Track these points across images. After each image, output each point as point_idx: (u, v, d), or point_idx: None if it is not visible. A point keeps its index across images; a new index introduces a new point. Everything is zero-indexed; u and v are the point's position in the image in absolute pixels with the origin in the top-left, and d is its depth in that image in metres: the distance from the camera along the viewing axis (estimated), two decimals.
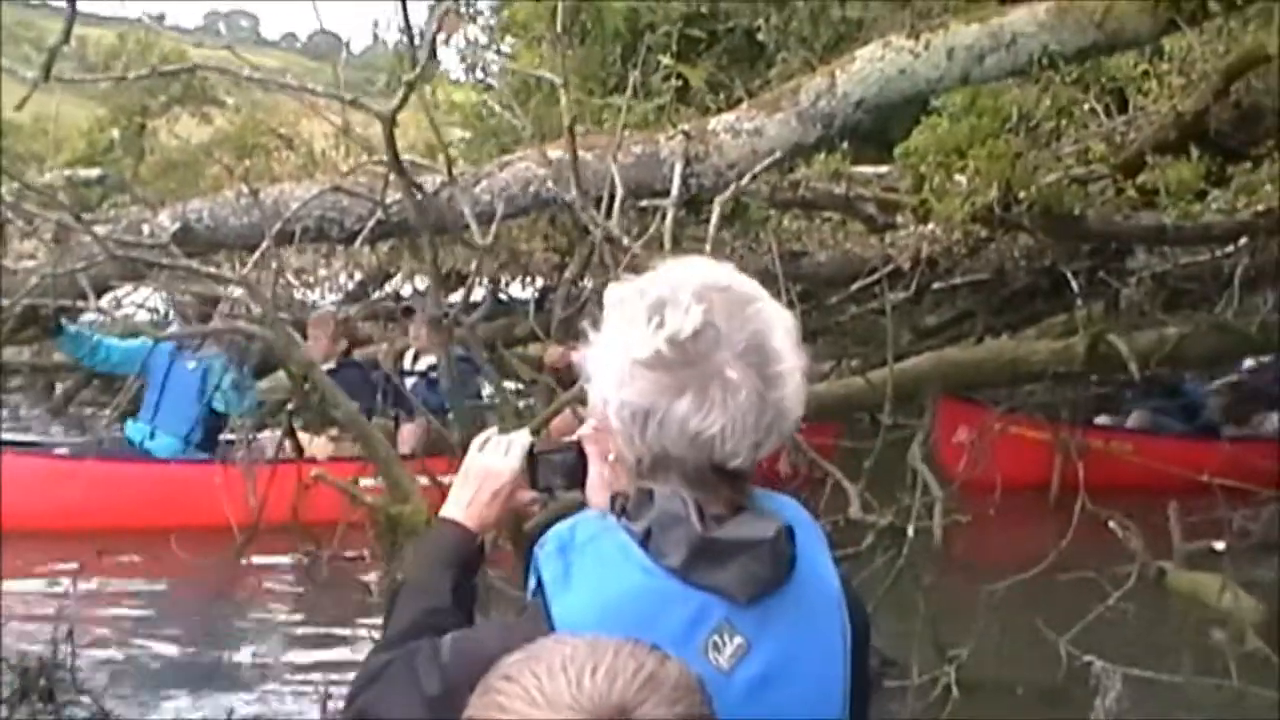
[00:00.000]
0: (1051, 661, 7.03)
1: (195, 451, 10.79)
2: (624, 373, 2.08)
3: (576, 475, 2.35)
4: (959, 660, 6.87)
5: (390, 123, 6.95)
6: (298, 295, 15.45)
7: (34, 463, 10.65)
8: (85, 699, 6.73)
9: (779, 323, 2.10)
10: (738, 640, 2.01)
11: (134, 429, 10.92)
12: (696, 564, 2.01)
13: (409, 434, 11.05)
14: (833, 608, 2.17)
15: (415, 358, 11.57)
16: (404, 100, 6.92)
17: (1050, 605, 7.56)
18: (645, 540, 2.05)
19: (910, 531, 7.02)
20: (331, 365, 10.84)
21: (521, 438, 2.46)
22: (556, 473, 2.40)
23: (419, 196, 7.65)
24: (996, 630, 7.18)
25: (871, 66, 8.95)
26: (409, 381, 11.17)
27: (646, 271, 2.17)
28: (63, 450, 11.12)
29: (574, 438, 2.37)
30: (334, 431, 10.59)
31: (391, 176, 7.98)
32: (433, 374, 11.14)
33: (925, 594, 6.77)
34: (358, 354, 12.04)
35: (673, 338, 2.03)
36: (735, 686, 1.99)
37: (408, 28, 7.27)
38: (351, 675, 6.13)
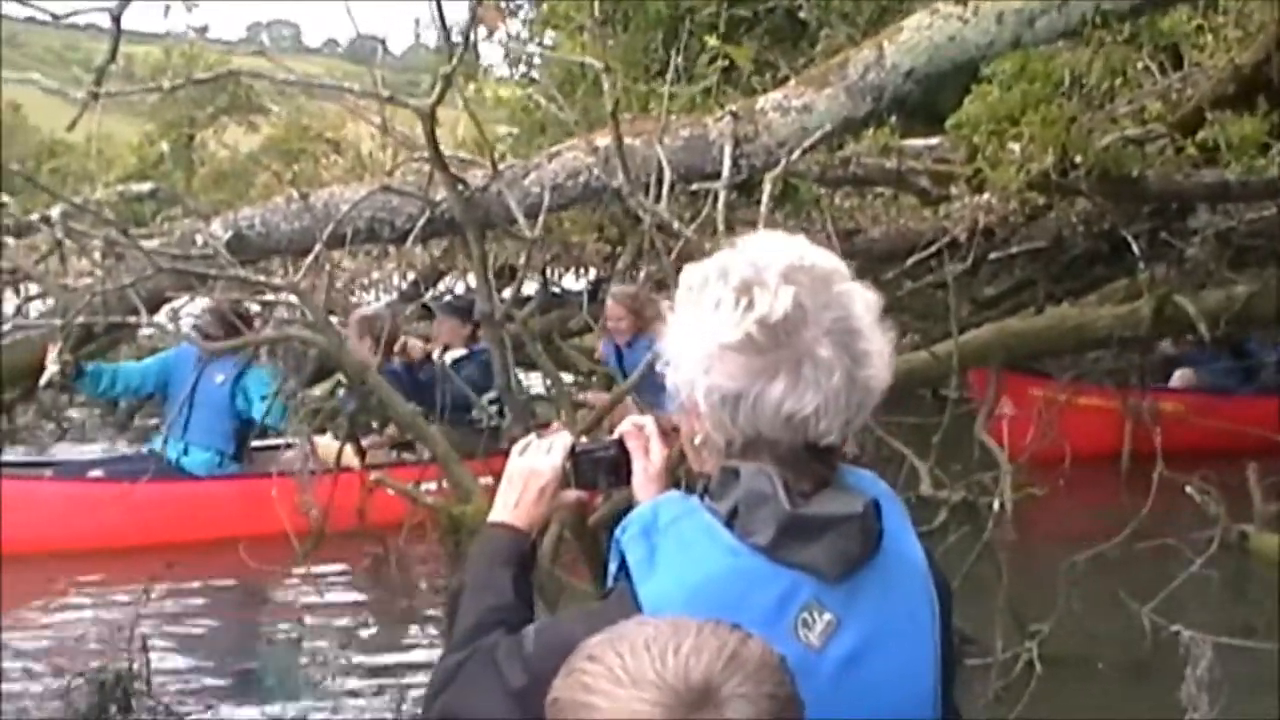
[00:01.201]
0: (1136, 633, 6.85)
1: (230, 465, 10.69)
2: (711, 357, 2.04)
3: (620, 472, 2.42)
4: (1041, 635, 6.70)
5: (429, 118, 6.84)
6: (353, 299, 15.43)
7: (105, 487, 10.53)
8: (161, 709, 6.75)
9: (862, 300, 2.08)
10: (827, 617, 1.99)
11: (170, 446, 10.82)
12: (785, 542, 1.98)
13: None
14: (919, 581, 2.14)
15: (443, 353, 11.44)
16: (442, 94, 6.81)
17: (1130, 576, 7.41)
18: (730, 519, 2.03)
19: (996, 505, 6.85)
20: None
21: (563, 438, 2.47)
22: (599, 470, 2.44)
23: (463, 191, 7.51)
24: (1077, 604, 7.00)
25: (920, 35, 8.79)
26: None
27: (700, 257, 2.16)
28: (98, 473, 10.98)
29: (615, 435, 2.45)
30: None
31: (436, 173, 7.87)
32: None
33: (1002, 569, 6.57)
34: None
35: (763, 320, 2.00)
36: (827, 664, 1.97)
37: (442, 22, 7.14)
38: (423, 676, 6.09)
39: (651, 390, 8.91)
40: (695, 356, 2.06)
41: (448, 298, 11.95)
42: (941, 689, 2.13)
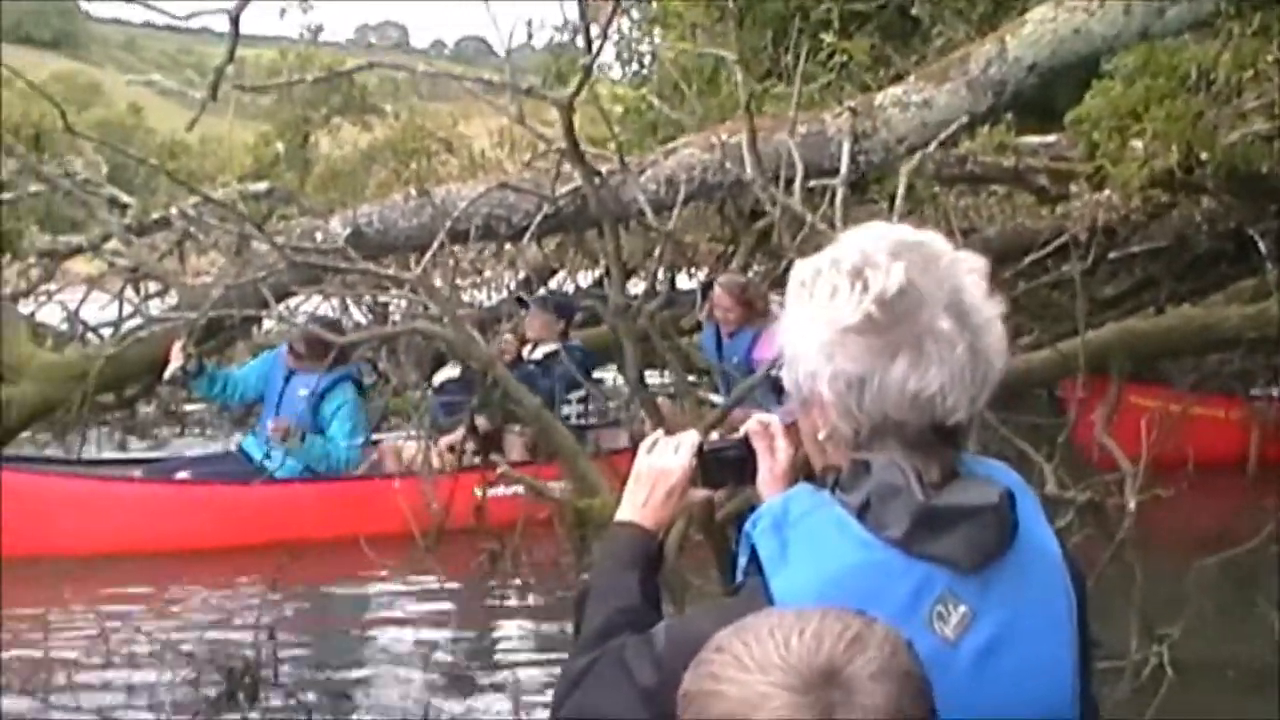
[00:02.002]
0: (1267, 639, 6.77)
1: (305, 471, 10.70)
2: (832, 343, 2.03)
3: (745, 471, 2.39)
4: (1170, 639, 6.54)
5: (568, 109, 6.81)
6: (466, 297, 15.45)
7: (226, 489, 10.62)
8: (287, 697, 6.81)
9: (972, 272, 2.06)
10: (962, 610, 1.94)
11: (252, 444, 10.87)
12: (919, 534, 1.94)
13: (516, 439, 10.97)
14: (1055, 573, 2.08)
15: (533, 348, 11.42)
16: (580, 85, 6.81)
17: (1259, 582, 7.24)
18: (862, 512, 1.99)
19: (1131, 505, 6.70)
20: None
21: (690, 437, 2.43)
22: (726, 469, 2.41)
23: (598, 183, 7.47)
24: (1207, 608, 6.84)
25: (1044, 28, 8.68)
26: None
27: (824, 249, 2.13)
28: (184, 475, 11.05)
29: (740, 434, 2.40)
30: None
31: (563, 168, 7.86)
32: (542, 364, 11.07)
33: (1136, 571, 6.43)
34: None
35: (880, 298, 1.98)
36: (962, 657, 1.93)
37: (583, 14, 7.09)
38: (540, 671, 6.05)
39: (758, 390, 8.90)
40: (816, 346, 2.04)
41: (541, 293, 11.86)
42: (1079, 683, 2.07)
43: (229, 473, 10.70)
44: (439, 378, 11.76)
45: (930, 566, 1.93)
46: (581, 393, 10.99)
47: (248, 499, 10.40)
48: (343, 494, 10.57)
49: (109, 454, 12.97)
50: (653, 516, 2.38)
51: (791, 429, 2.30)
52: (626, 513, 2.41)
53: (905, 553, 1.94)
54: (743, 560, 2.07)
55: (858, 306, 1.98)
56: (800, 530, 2.00)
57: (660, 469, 2.38)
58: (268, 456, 10.52)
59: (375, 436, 11.39)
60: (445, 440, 10.87)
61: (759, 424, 2.39)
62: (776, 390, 7.88)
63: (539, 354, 11.16)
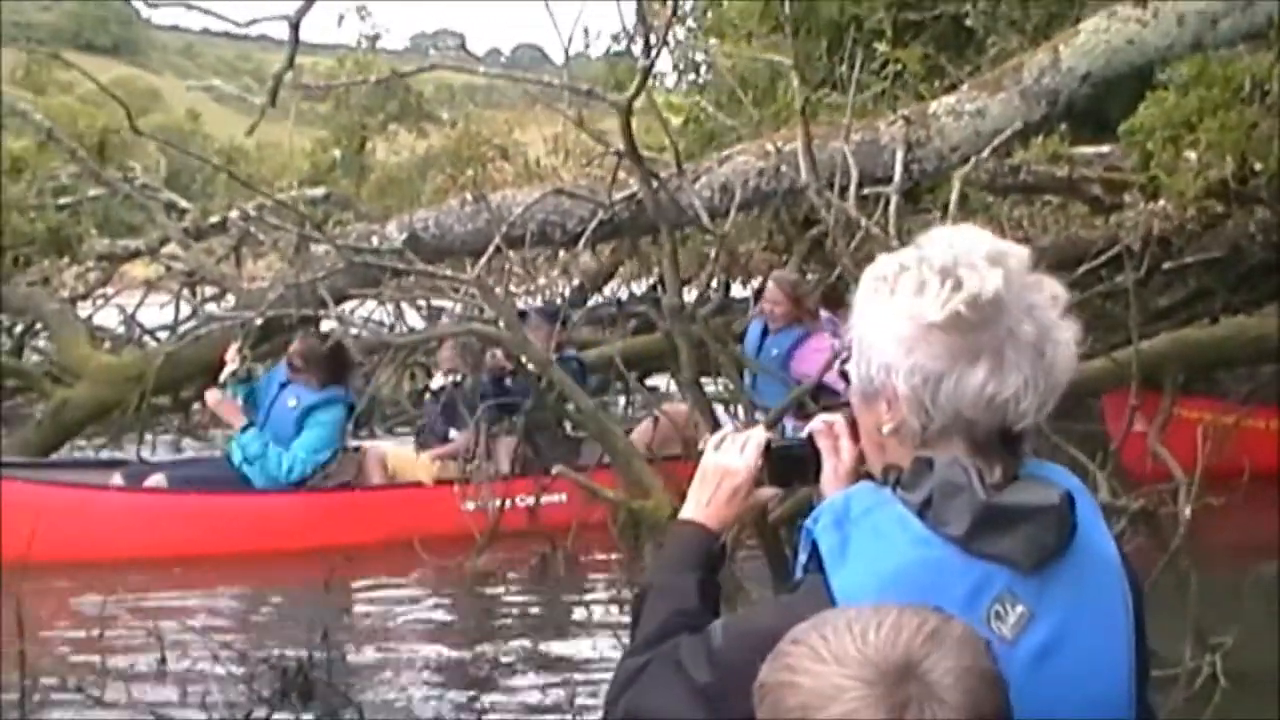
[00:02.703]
0: None
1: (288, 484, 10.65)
2: (914, 338, 2.03)
3: (810, 470, 2.35)
4: (1224, 648, 6.50)
5: (627, 112, 6.82)
6: (519, 302, 15.48)
7: (288, 499, 10.60)
8: (340, 697, 6.82)
9: (1050, 289, 2.07)
10: (1020, 609, 1.94)
11: (236, 449, 10.82)
12: (980, 532, 1.94)
13: (504, 450, 10.84)
14: (1113, 576, 2.07)
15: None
16: (640, 87, 6.80)
17: None
18: (923, 510, 1.98)
19: (1187, 513, 6.66)
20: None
21: (757, 435, 2.40)
22: (792, 468, 2.37)
23: (656, 187, 7.48)
24: (1261, 618, 6.81)
25: (1097, 38, 8.67)
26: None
27: (878, 256, 2.15)
28: (159, 480, 10.76)
29: (806, 432, 2.37)
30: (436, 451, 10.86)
31: (619, 175, 7.88)
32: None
33: (1191, 579, 6.39)
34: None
35: (974, 299, 1.99)
36: (1019, 656, 1.92)
37: (642, 18, 7.12)
38: (593, 671, 6.06)
39: (770, 391, 8.91)
40: (894, 339, 2.04)
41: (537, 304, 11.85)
42: (1136, 687, 2.07)
43: (210, 478, 10.64)
44: (435, 383, 11.80)
45: (990, 565, 1.93)
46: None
47: (311, 506, 10.47)
48: (402, 499, 10.60)
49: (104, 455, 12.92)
50: (717, 515, 2.35)
51: (853, 429, 2.30)
52: (690, 511, 2.38)
53: (965, 551, 1.94)
54: (803, 556, 2.08)
55: (945, 304, 1.99)
56: (862, 527, 2.00)
57: (726, 467, 2.35)
58: (247, 462, 10.50)
59: (356, 443, 11.36)
60: (437, 451, 10.97)
61: (824, 423, 2.37)
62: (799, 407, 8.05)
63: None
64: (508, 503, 9.85)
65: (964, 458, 2.01)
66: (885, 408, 2.08)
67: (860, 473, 2.35)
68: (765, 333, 10.22)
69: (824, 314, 9.89)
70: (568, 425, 10.94)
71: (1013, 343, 2.00)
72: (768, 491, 2.40)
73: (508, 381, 10.86)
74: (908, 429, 2.06)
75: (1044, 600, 1.95)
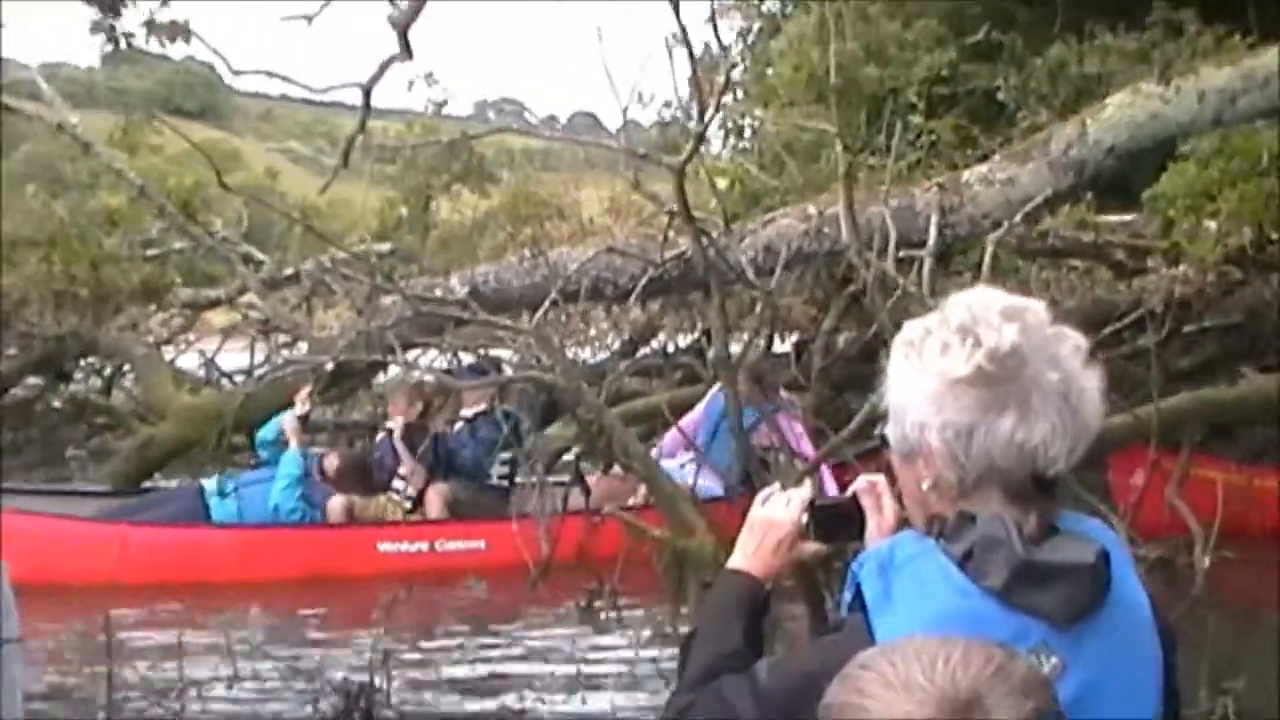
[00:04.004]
0: None
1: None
2: (943, 394, 2.04)
3: (854, 526, 2.34)
4: (1235, 692, 6.46)
5: (680, 174, 6.87)
6: (570, 353, 15.50)
7: (363, 532, 10.70)
8: (399, 719, 6.86)
9: (1073, 340, 2.08)
10: (1054, 661, 1.93)
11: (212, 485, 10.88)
12: (1017, 586, 1.94)
13: (436, 496, 10.88)
14: (1145, 631, 2.07)
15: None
16: (693, 151, 6.87)
17: None
18: (964, 561, 1.98)
19: (1206, 563, 6.63)
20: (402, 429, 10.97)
21: (801, 492, 2.41)
22: (836, 524, 2.36)
23: (707, 245, 7.54)
24: (1265, 664, 6.78)
25: (1122, 113, 8.71)
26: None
27: (912, 315, 2.18)
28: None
29: (850, 491, 2.37)
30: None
31: (670, 233, 7.93)
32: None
33: (1208, 626, 6.35)
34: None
35: (993, 353, 2.01)
36: None
37: (696, 84, 7.17)
38: (638, 705, 6.00)
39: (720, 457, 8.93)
40: (925, 397, 2.06)
41: (469, 361, 11.89)
42: None
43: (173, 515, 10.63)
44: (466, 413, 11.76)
45: (1027, 618, 1.94)
46: (509, 455, 11.03)
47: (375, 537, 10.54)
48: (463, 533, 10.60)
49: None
50: (762, 565, 2.36)
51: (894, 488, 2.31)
52: (737, 560, 2.39)
53: (1003, 603, 1.94)
54: (848, 596, 2.08)
55: (968, 360, 2.01)
56: (905, 574, 2.01)
57: (772, 520, 2.37)
58: (221, 494, 10.59)
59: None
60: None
61: (868, 482, 2.37)
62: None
63: (469, 414, 11.16)
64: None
65: (1001, 507, 2.02)
66: (923, 465, 2.09)
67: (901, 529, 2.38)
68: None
69: (785, 394, 9.97)
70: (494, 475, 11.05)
71: (1038, 392, 2.01)
72: (811, 546, 2.38)
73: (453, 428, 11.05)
74: (945, 482, 2.07)
75: (1077, 653, 1.95)
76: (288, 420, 10.68)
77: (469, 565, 9.90)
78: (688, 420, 10.44)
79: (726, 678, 2.15)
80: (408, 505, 10.84)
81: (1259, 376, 10.79)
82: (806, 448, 9.52)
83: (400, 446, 10.86)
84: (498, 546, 10.16)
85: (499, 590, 9.16)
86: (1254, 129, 9.37)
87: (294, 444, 10.65)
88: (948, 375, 2.03)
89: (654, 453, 9.67)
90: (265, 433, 11.01)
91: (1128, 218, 11.37)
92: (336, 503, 10.71)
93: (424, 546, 10.33)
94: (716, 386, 10.94)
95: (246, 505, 10.62)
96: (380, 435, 11.53)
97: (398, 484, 10.93)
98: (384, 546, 10.35)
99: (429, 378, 11.84)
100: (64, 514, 10.58)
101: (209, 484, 10.83)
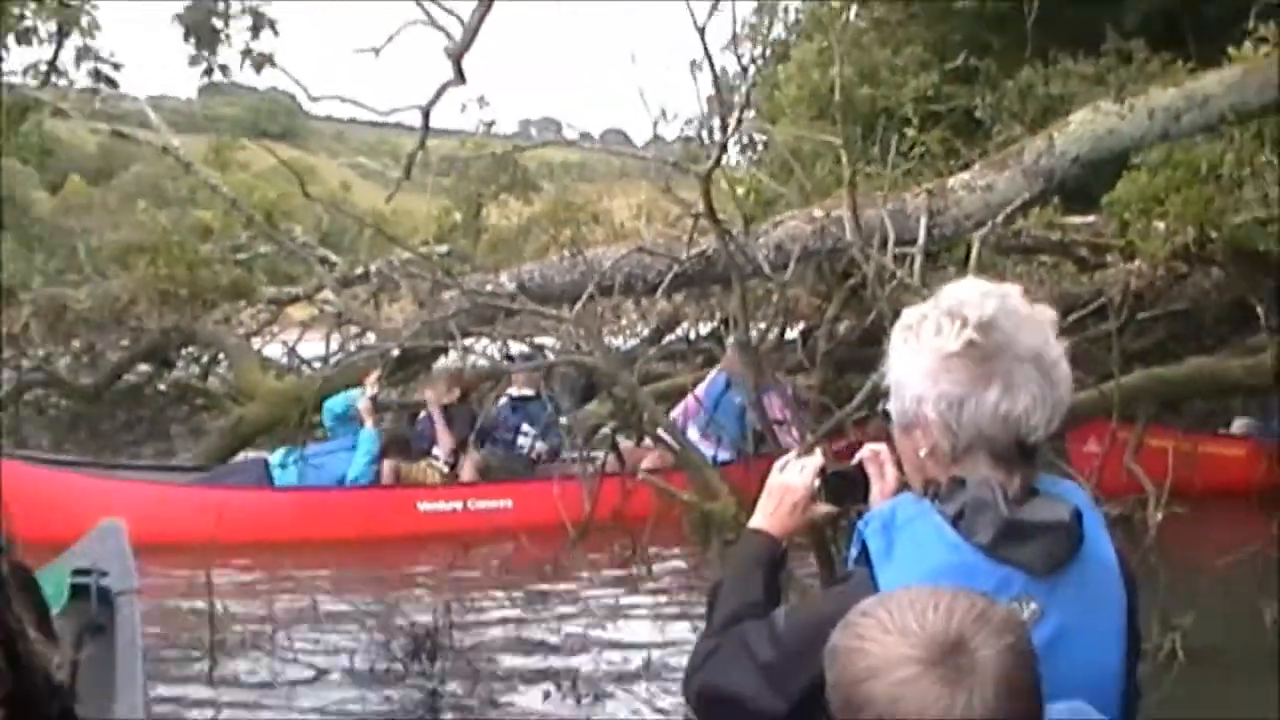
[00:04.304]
0: (1264, 630, 6.75)
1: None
2: (937, 369, 2.07)
3: (860, 490, 2.35)
4: (1182, 629, 6.50)
5: (707, 180, 6.91)
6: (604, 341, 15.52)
7: (428, 491, 10.75)
8: (460, 660, 6.89)
9: (1046, 319, 2.11)
10: (1033, 606, 1.97)
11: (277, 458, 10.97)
12: (1002, 542, 1.98)
13: (469, 462, 10.96)
14: (1113, 581, 2.10)
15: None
16: (717, 160, 6.90)
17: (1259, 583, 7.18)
18: (956, 520, 2.01)
19: (1159, 517, 6.67)
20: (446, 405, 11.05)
21: (814, 460, 2.41)
22: (844, 488, 2.37)
23: (729, 243, 7.58)
24: (1215, 605, 6.82)
25: (1084, 128, 8.74)
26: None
27: (906, 304, 2.23)
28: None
29: (856, 460, 2.37)
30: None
31: (696, 233, 7.97)
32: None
33: (1160, 572, 6.36)
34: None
35: (978, 328, 2.04)
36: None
37: (720, 100, 7.25)
38: (671, 648, 6.02)
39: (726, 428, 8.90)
40: (922, 373, 2.08)
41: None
42: (1127, 673, 2.11)
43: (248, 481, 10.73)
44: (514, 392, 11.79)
45: (1010, 569, 1.97)
46: (537, 430, 11.15)
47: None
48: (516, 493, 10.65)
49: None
50: (779, 525, 2.37)
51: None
52: (757, 521, 2.40)
53: (990, 557, 1.98)
54: (853, 552, 2.10)
55: (958, 336, 2.04)
56: (905, 532, 2.04)
57: (787, 485, 2.37)
58: (282, 466, 10.65)
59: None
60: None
61: (871, 451, 2.37)
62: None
63: (517, 393, 11.33)
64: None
65: (989, 471, 2.05)
66: (920, 434, 2.12)
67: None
68: (729, 384, 10.36)
69: (778, 376, 10.03)
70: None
71: (1020, 367, 2.03)
72: (823, 508, 2.38)
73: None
74: (939, 449, 2.09)
75: (1053, 600, 1.98)
76: (362, 403, 10.72)
77: (497, 522, 9.99)
78: (691, 399, 10.53)
79: (748, 623, 2.17)
80: (445, 470, 10.90)
81: (1201, 358, 10.83)
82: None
83: (440, 424, 10.96)
84: (523, 505, 10.25)
85: (542, 547, 9.15)
86: (1195, 143, 9.40)
87: (369, 423, 10.70)
88: (941, 351, 2.06)
89: None
90: (334, 404, 11.06)
91: (1089, 219, 11.37)
92: (388, 466, 10.78)
93: (458, 506, 10.42)
94: (716, 369, 11.03)
95: (306, 475, 10.66)
96: (422, 414, 11.60)
97: (436, 451, 10.99)
98: (423, 506, 10.43)
99: (483, 362, 11.92)
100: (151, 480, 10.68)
101: (273, 457, 10.89)
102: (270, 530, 9.82)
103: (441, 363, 11.83)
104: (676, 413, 10.20)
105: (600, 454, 10.53)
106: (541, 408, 10.87)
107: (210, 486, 10.46)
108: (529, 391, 11.07)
